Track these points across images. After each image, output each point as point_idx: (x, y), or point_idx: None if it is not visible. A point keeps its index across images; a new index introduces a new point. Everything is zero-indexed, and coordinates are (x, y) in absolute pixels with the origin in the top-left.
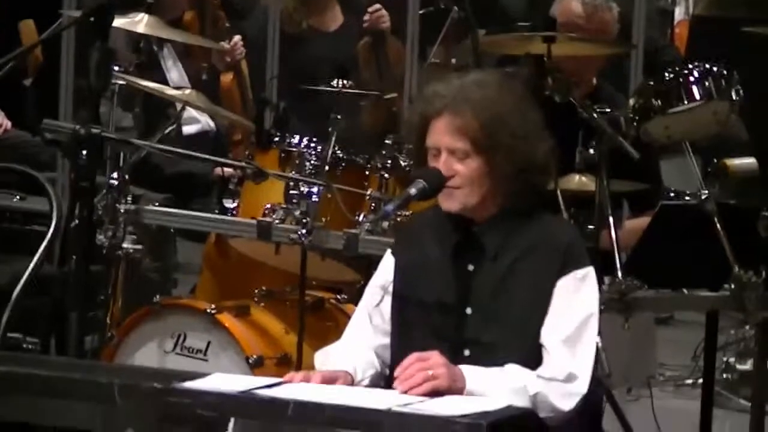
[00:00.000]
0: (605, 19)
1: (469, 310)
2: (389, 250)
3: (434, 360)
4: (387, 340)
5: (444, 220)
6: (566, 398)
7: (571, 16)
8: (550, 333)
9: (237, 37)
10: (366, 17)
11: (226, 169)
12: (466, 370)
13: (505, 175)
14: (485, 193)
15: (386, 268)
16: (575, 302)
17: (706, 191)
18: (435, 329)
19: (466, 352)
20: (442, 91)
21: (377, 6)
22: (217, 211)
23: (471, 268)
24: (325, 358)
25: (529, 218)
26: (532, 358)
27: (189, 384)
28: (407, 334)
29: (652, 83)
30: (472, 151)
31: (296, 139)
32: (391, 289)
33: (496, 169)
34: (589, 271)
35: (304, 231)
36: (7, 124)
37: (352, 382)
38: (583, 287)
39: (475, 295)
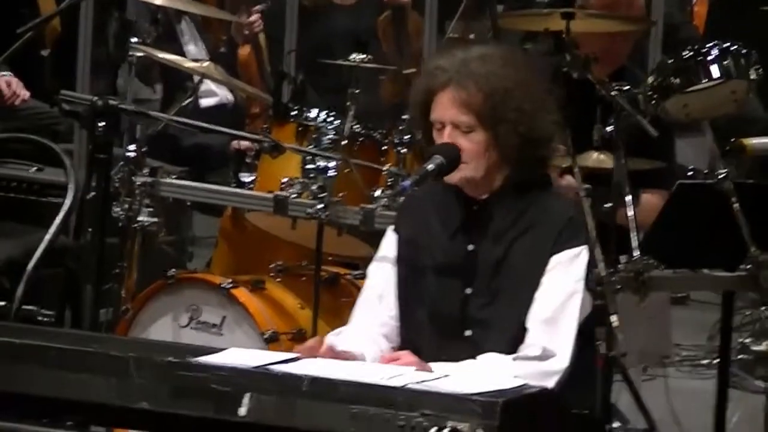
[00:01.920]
0: (641, 2)
1: (469, 290)
2: (391, 227)
3: (404, 360)
4: (394, 318)
5: (446, 196)
6: (544, 377)
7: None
8: (533, 311)
9: (256, 9)
10: None
11: (243, 143)
12: (438, 367)
13: (509, 147)
14: (490, 166)
15: (389, 244)
16: (562, 280)
17: (724, 170)
18: (436, 309)
19: (468, 333)
20: (446, 64)
21: None
22: (233, 185)
23: (471, 247)
24: (336, 340)
25: (531, 194)
26: None
27: (204, 358)
28: (411, 313)
29: (670, 61)
30: (477, 124)
31: (314, 113)
32: (395, 265)
33: (500, 142)
34: (582, 250)
35: (320, 206)
36: (25, 94)
37: None
38: (573, 266)
39: (475, 274)
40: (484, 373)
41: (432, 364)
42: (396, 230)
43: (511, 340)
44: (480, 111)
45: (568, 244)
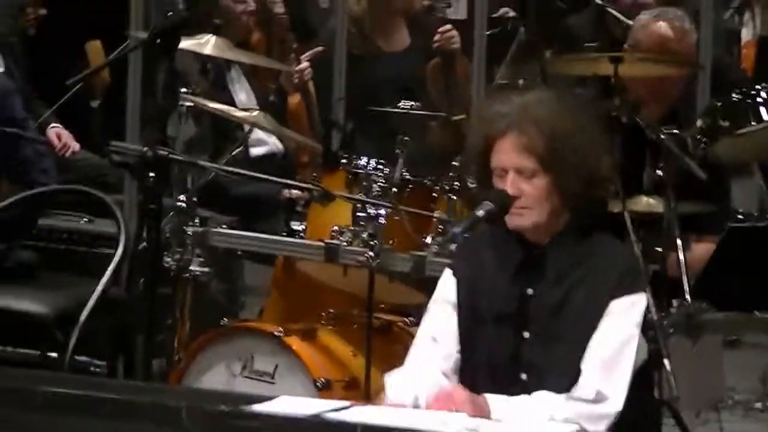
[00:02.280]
0: (692, 41)
1: (526, 334)
2: (448, 269)
3: (457, 397)
4: (452, 359)
5: (504, 239)
6: (596, 420)
7: (660, 38)
8: (589, 354)
9: (304, 57)
10: (436, 37)
11: (293, 191)
12: (492, 399)
13: (571, 191)
14: (552, 210)
15: (447, 286)
16: (620, 325)
17: None
18: (493, 352)
19: (523, 376)
20: (504, 110)
21: (448, 26)
22: (284, 234)
23: (530, 291)
24: (395, 381)
25: (591, 239)
26: None
27: (257, 407)
28: (468, 355)
29: (719, 104)
30: (540, 169)
31: (363, 160)
32: (455, 306)
33: (562, 186)
34: (641, 298)
35: (371, 253)
36: (76, 146)
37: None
38: (632, 312)
39: (533, 319)
40: (537, 411)
41: (488, 396)
42: (453, 272)
43: (566, 385)
44: (542, 155)
45: (628, 289)
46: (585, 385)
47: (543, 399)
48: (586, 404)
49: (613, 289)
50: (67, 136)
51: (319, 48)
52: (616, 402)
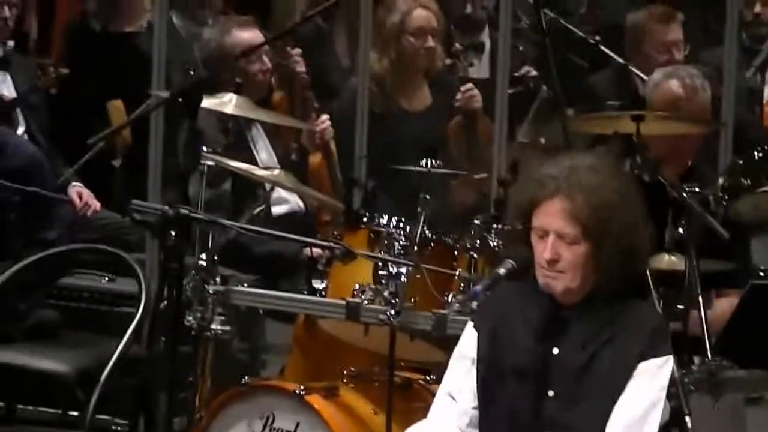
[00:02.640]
0: (704, 99)
1: (551, 393)
2: (471, 323)
3: None
4: (468, 415)
5: (529, 296)
6: None
7: (671, 96)
8: (616, 415)
9: (325, 117)
10: (458, 96)
11: (314, 250)
12: None
13: (611, 261)
14: (586, 276)
15: (468, 340)
16: (647, 388)
17: None
18: (515, 410)
19: None
20: (554, 173)
21: (470, 85)
22: (306, 292)
23: (556, 351)
24: None
25: (618, 302)
26: None
27: None
28: (489, 411)
29: (741, 162)
30: (582, 236)
31: (385, 219)
32: (473, 361)
33: (602, 256)
34: (669, 360)
35: (392, 312)
36: (97, 204)
37: None
38: (659, 375)
39: (557, 378)
40: None
41: None
42: (476, 326)
43: None
44: (586, 224)
45: (656, 352)
46: None
47: None
48: None
49: (642, 351)
50: (88, 195)
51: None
52: None
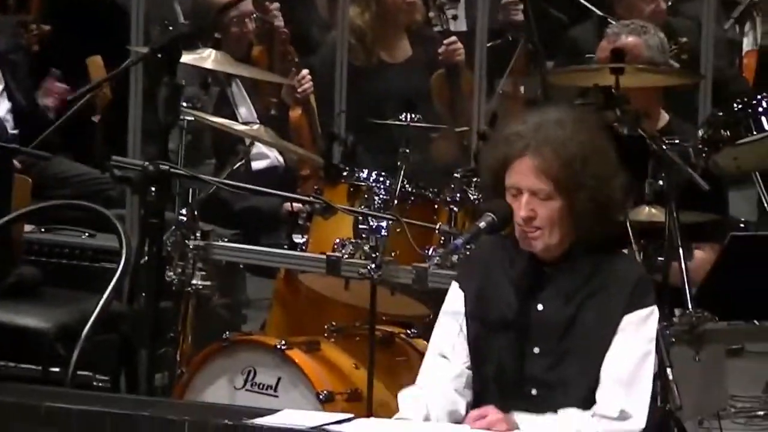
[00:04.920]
0: (645, 53)
1: (536, 350)
2: (456, 283)
3: (492, 418)
4: (464, 377)
5: (511, 253)
6: None
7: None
8: (607, 370)
9: (305, 71)
10: (441, 49)
11: (295, 204)
12: (520, 419)
13: (585, 214)
14: (564, 232)
15: (455, 299)
16: (636, 341)
17: None
18: (502, 367)
19: (533, 392)
20: (522, 130)
21: (453, 38)
22: (286, 247)
23: (540, 307)
24: (407, 398)
25: (599, 256)
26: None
27: (259, 420)
28: (478, 368)
29: (720, 114)
30: (555, 191)
31: (365, 173)
32: (463, 320)
33: (577, 209)
34: (653, 311)
35: (373, 266)
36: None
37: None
38: (645, 326)
39: (542, 335)
40: (564, 428)
41: (516, 415)
42: (461, 287)
43: (575, 401)
44: (558, 178)
45: (639, 304)
46: (608, 403)
47: (571, 417)
48: (611, 422)
49: (625, 304)
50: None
51: None
52: (639, 420)
